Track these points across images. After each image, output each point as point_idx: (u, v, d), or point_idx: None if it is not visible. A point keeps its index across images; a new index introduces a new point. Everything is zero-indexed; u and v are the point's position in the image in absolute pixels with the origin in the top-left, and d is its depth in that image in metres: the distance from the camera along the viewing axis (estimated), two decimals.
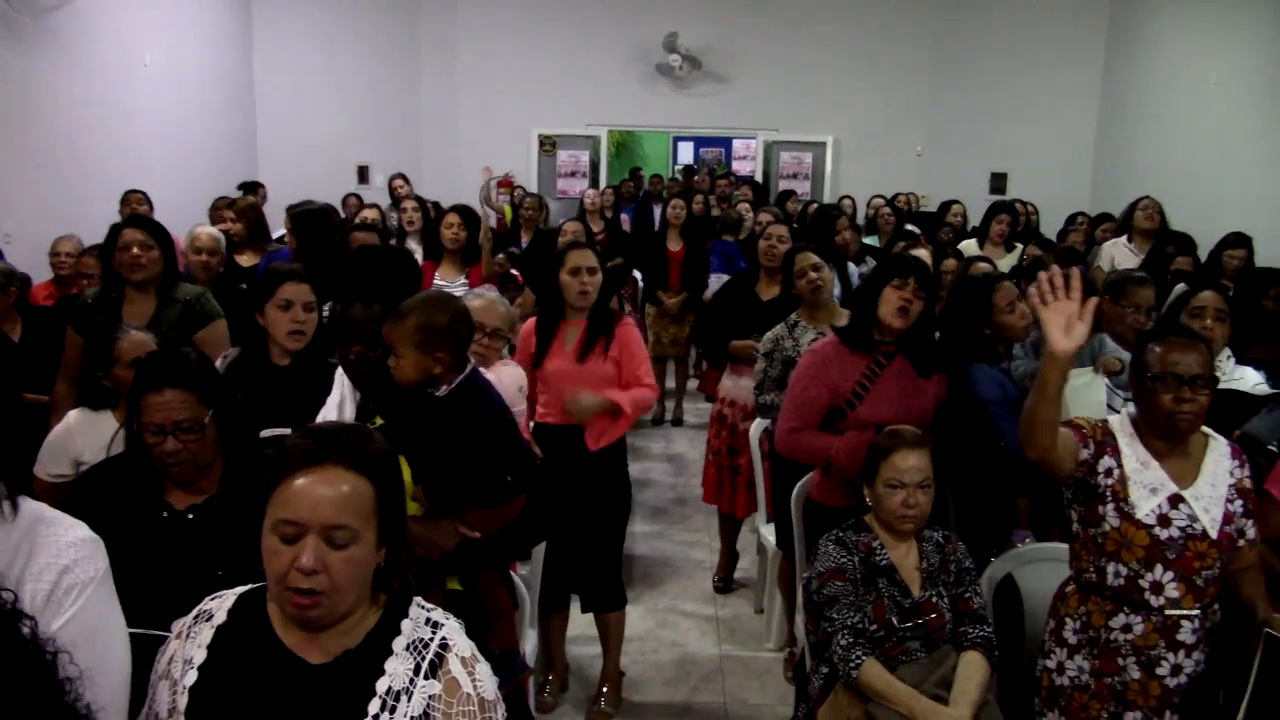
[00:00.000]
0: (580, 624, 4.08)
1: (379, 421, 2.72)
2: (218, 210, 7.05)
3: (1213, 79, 8.71)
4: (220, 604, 1.72)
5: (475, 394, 2.68)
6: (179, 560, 2.25)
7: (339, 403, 2.86)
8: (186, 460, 2.29)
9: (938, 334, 3.57)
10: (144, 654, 1.79)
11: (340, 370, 2.92)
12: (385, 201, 9.03)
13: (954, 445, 3.49)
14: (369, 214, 6.35)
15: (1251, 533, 2.57)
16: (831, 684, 2.79)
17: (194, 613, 1.73)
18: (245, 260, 5.51)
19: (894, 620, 2.78)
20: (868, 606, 2.79)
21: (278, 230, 6.49)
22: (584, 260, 3.72)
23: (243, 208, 5.73)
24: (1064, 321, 2.42)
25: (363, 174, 11.71)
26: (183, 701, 1.64)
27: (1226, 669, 2.60)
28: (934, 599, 2.84)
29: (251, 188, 8.84)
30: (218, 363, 3.25)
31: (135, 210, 6.41)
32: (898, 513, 2.85)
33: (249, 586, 1.74)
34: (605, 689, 3.95)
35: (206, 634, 1.68)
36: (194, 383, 2.31)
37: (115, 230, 3.88)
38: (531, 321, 3.89)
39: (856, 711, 2.68)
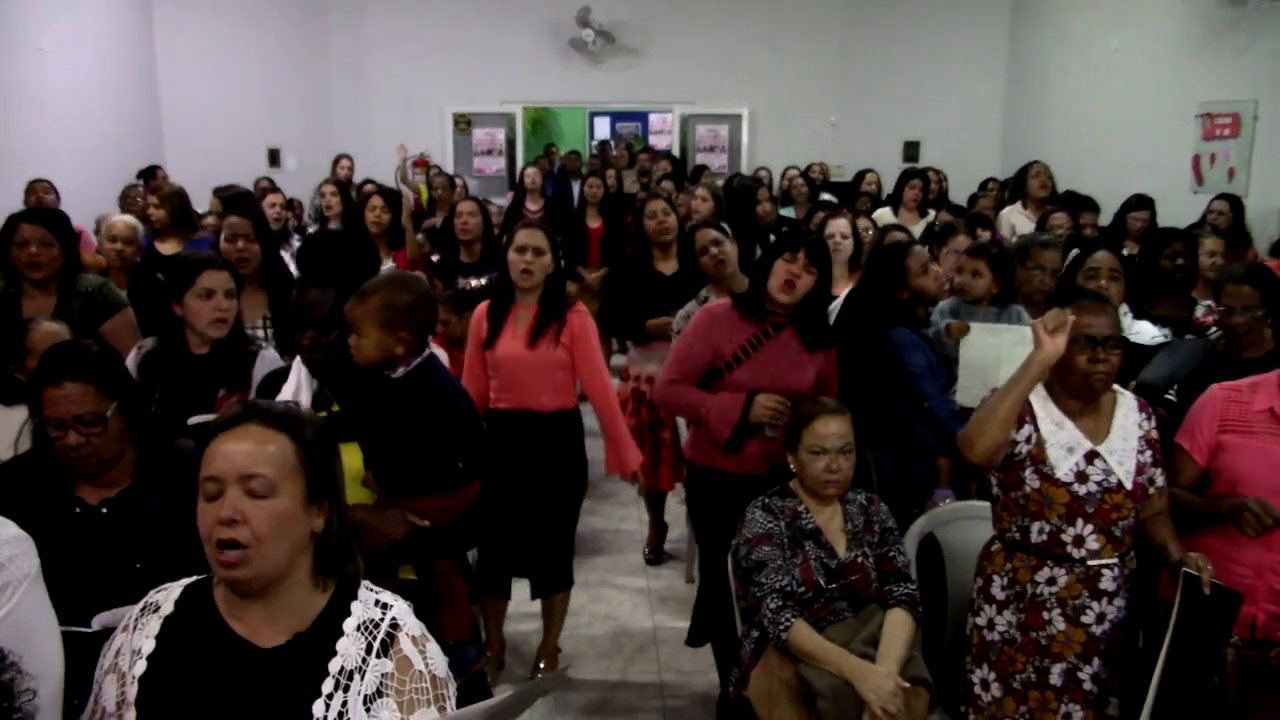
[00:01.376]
0: (514, 602, 4.08)
1: (335, 408, 2.69)
2: (129, 198, 6.85)
3: (1113, 45, 8.94)
4: (166, 595, 1.72)
5: (430, 378, 2.67)
6: (95, 555, 2.20)
7: (295, 390, 2.82)
8: (90, 454, 2.22)
9: (838, 303, 3.62)
10: (67, 651, 1.76)
11: (297, 358, 2.87)
12: (302, 184, 8.87)
13: (876, 407, 3.57)
14: (275, 198, 6.23)
15: (1160, 481, 2.68)
16: (762, 647, 2.84)
17: (140, 605, 1.72)
18: (167, 248, 5.32)
19: (821, 582, 2.84)
20: (795, 570, 2.84)
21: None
22: (531, 240, 3.67)
23: (166, 194, 5.56)
24: (1053, 333, 2.50)
25: (274, 157, 11.45)
26: (132, 692, 1.63)
27: (1143, 612, 2.71)
28: (859, 559, 2.90)
29: (149, 174, 8.60)
30: (132, 354, 3.18)
31: (41, 199, 6.20)
32: (821, 478, 2.90)
33: (195, 578, 1.74)
34: (543, 664, 3.96)
35: (154, 625, 1.68)
36: (95, 375, 2.25)
37: (12, 223, 3.74)
38: (484, 305, 3.86)
39: (787, 673, 2.74)
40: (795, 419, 3.01)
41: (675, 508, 5.23)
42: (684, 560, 5.00)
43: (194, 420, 2.92)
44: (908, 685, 2.68)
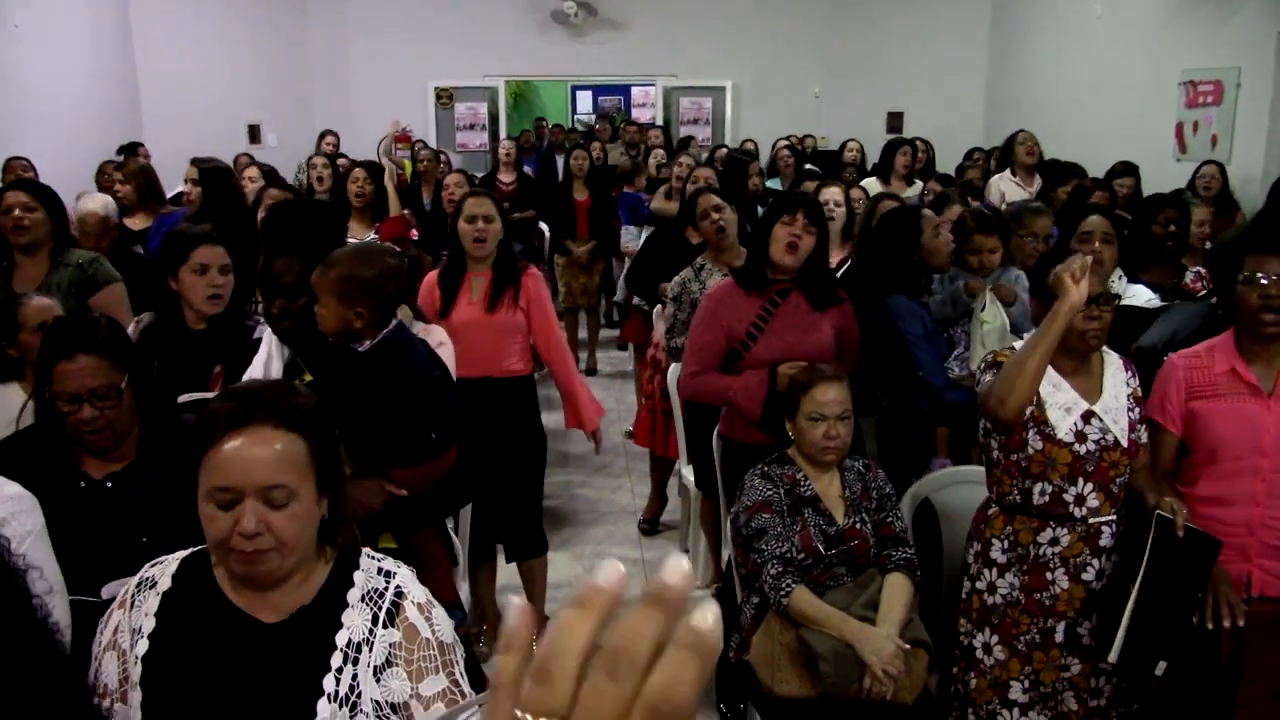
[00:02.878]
0: (509, 573, 4.10)
1: (308, 378, 2.68)
2: (105, 175, 6.79)
3: (1097, 12, 8.94)
4: (163, 570, 1.69)
5: (398, 350, 2.65)
6: (101, 530, 2.20)
7: (265, 360, 2.81)
8: (104, 428, 2.22)
9: (845, 266, 3.62)
10: (76, 620, 1.76)
11: (269, 328, 2.85)
12: (283, 160, 8.78)
13: (873, 376, 3.59)
14: (252, 171, 6.16)
15: (1144, 438, 2.74)
16: (763, 613, 2.87)
17: (135, 580, 1.70)
18: (136, 223, 5.34)
19: (820, 548, 2.87)
20: (795, 536, 2.86)
21: (170, 192, 6.27)
22: (480, 208, 3.71)
23: (132, 170, 5.54)
24: (1077, 280, 2.53)
25: (254, 133, 11.34)
26: (136, 672, 1.61)
27: (1131, 566, 2.75)
28: (858, 525, 2.93)
29: (130, 150, 8.51)
30: (130, 328, 3.16)
31: (19, 178, 6.12)
32: (820, 444, 2.92)
33: (190, 551, 1.72)
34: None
35: (153, 601, 1.65)
36: (107, 348, 2.24)
37: None
38: (434, 274, 3.87)
39: (789, 637, 2.77)
40: (793, 385, 3.03)
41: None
42: (677, 531, 5.03)
43: (185, 398, 2.90)
44: (908, 647, 2.71)
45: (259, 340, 3.14)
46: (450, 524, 3.49)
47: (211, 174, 4.83)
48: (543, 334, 3.82)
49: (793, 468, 2.98)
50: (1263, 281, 2.56)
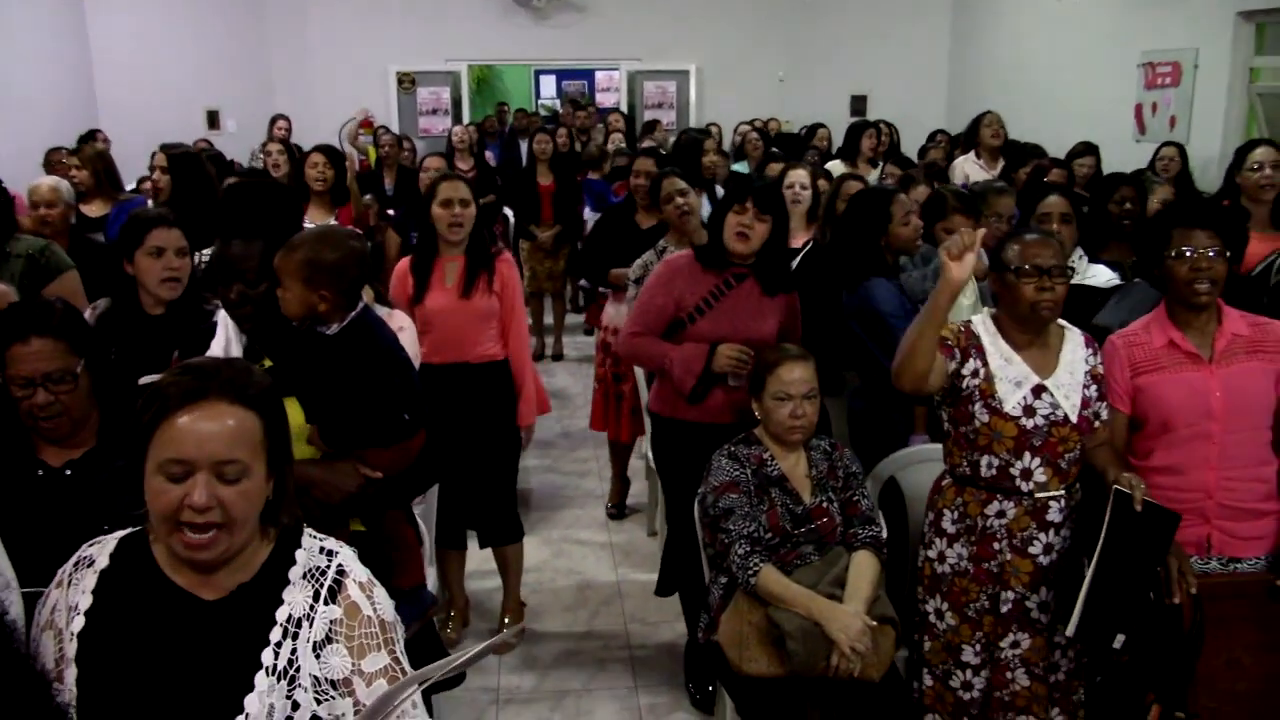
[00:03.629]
0: (477, 559, 4.09)
1: (267, 364, 2.65)
2: (54, 162, 6.66)
3: None
4: (101, 549, 1.68)
5: (366, 332, 2.62)
6: (60, 518, 2.15)
7: (224, 345, 2.77)
8: (59, 413, 2.18)
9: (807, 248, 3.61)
10: (30, 614, 1.73)
11: (225, 312, 2.81)
12: (243, 147, 8.68)
13: (841, 356, 3.60)
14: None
15: (1105, 414, 2.76)
16: (731, 593, 2.88)
17: (73, 560, 1.68)
18: (94, 210, 5.25)
19: (788, 527, 2.88)
20: (762, 516, 2.87)
21: (129, 180, 6.18)
22: (455, 192, 3.68)
23: (89, 155, 5.44)
24: (957, 251, 2.57)
25: (213, 119, 11.18)
26: (72, 649, 1.60)
27: (1088, 541, 2.78)
28: (824, 504, 2.94)
29: (88, 138, 8.36)
30: (87, 314, 3.10)
31: None
32: (786, 423, 2.93)
33: (129, 530, 1.70)
34: (507, 620, 3.98)
35: (90, 579, 1.64)
36: (62, 331, 2.20)
37: None
38: (405, 262, 3.83)
39: (757, 616, 2.77)
40: (760, 365, 3.04)
41: (634, 463, 5.25)
42: (645, 514, 5.04)
43: (145, 380, 2.86)
44: (875, 624, 2.73)
45: (210, 325, 3.09)
46: (417, 508, 3.47)
47: (181, 160, 4.74)
48: (510, 322, 3.80)
49: (759, 448, 2.99)
50: (1188, 254, 2.64)
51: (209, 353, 2.80)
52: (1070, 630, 2.56)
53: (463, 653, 1.59)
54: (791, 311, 3.44)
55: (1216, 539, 2.70)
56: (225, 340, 2.79)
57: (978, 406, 2.69)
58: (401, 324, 3.25)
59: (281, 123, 9.17)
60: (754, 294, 3.35)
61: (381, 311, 3.16)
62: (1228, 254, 2.68)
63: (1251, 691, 2.64)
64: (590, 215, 7.39)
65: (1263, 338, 2.73)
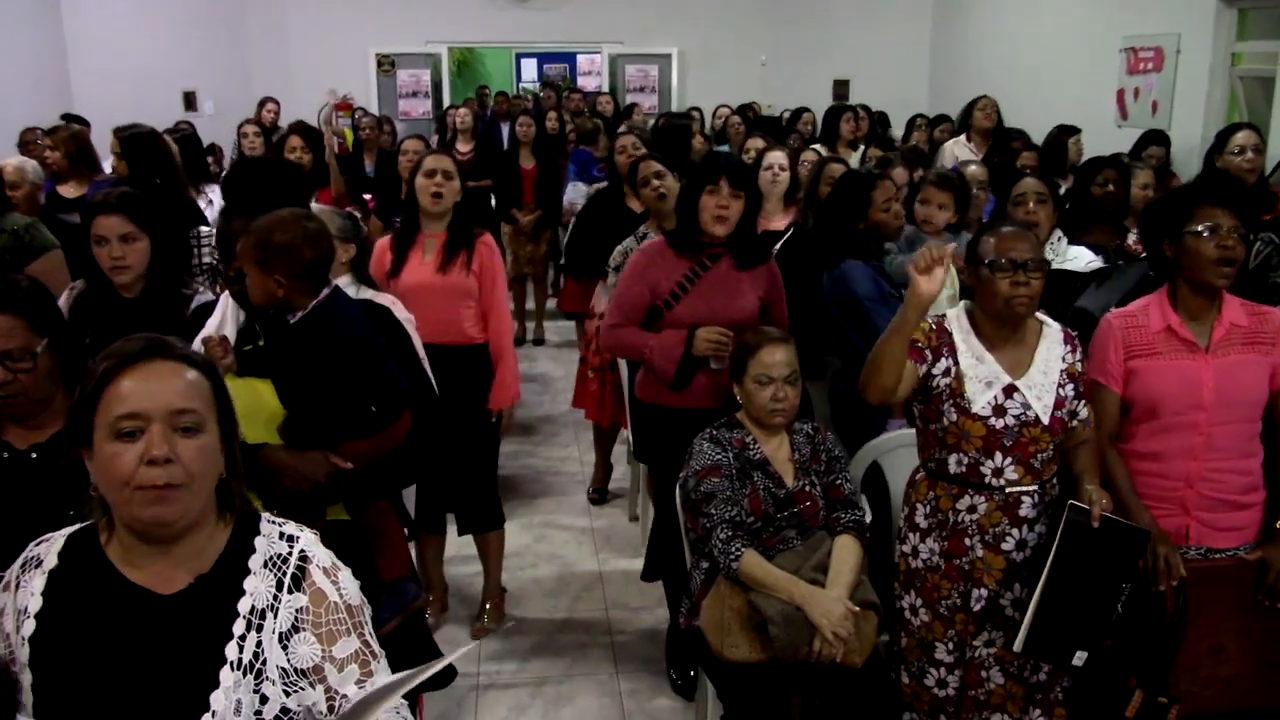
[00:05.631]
0: (456, 545, 4.05)
1: (262, 343, 2.59)
2: (27, 143, 6.55)
3: None
4: (48, 547, 1.62)
5: (329, 320, 2.53)
6: (24, 502, 2.10)
7: (219, 324, 2.71)
8: (18, 392, 2.11)
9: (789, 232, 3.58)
10: None
11: (225, 291, 2.75)
12: (220, 129, 8.57)
13: (822, 340, 3.57)
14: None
15: (1084, 413, 2.69)
16: (713, 578, 2.85)
17: (19, 561, 1.62)
18: (69, 191, 5.15)
19: (770, 511, 2.85)
20: (744, 500, 2.85)
21: (106, 160, 6.06)
22: (439, 163, 3.66)
23: (62, 137, 5.33)
24: (926, 272, 2.46)
25: (189, 100, 11.04)
26: (23, 654, 1.54)
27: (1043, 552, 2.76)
28: (807, 488, 2.91)
29: (77, 122, 8.23)
30: (63, 295, 3.04)
31: None
32: (768, 407, 2.90)
33: (76, 527, 1.64)
34: (488, 605, 3.95)
35: (38, 581, 1.58)
36: (24, 308, 2.13)
37: None
38: (385, 239, 3.80)
39: (739, 601, 2.75)
40: (740, 349, 3.00)
41: (616, 448, 5.21)
42: (626, 499, 5.01)
43: None
44: (857, 609, 2.71)
45: (201, 308, 3.02)
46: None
47: (132, 142, 4.62)
48: (489, 305, 3.76)
49: (741, 431, 2.96)
50: (1214, 232, 2.54)
51: (203, 331, 2.74)
52: (1017, 646, 2.51)
53: (438, 659, 1.51)
54: (773, 281, 3.39)
55: (1195, 530, 2.66)
56: (221, 319, 2.74)
57: (946, 405, 2.63)
58: (388, 303, 3.18)
59: (271, 105, 9.05)
60: (730, 272, 3.31)
61: (367, 293, 3.11)
62: (1251, 237, 2.61)
63: (1233, 675, 2.64)
64: (574, 184, 7.26)
65: (1260, 328, 2.67)
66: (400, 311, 3.16)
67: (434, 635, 3.79)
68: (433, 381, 3.22)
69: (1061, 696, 2.75)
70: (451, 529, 3.95)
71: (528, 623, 3.99)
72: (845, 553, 2.84)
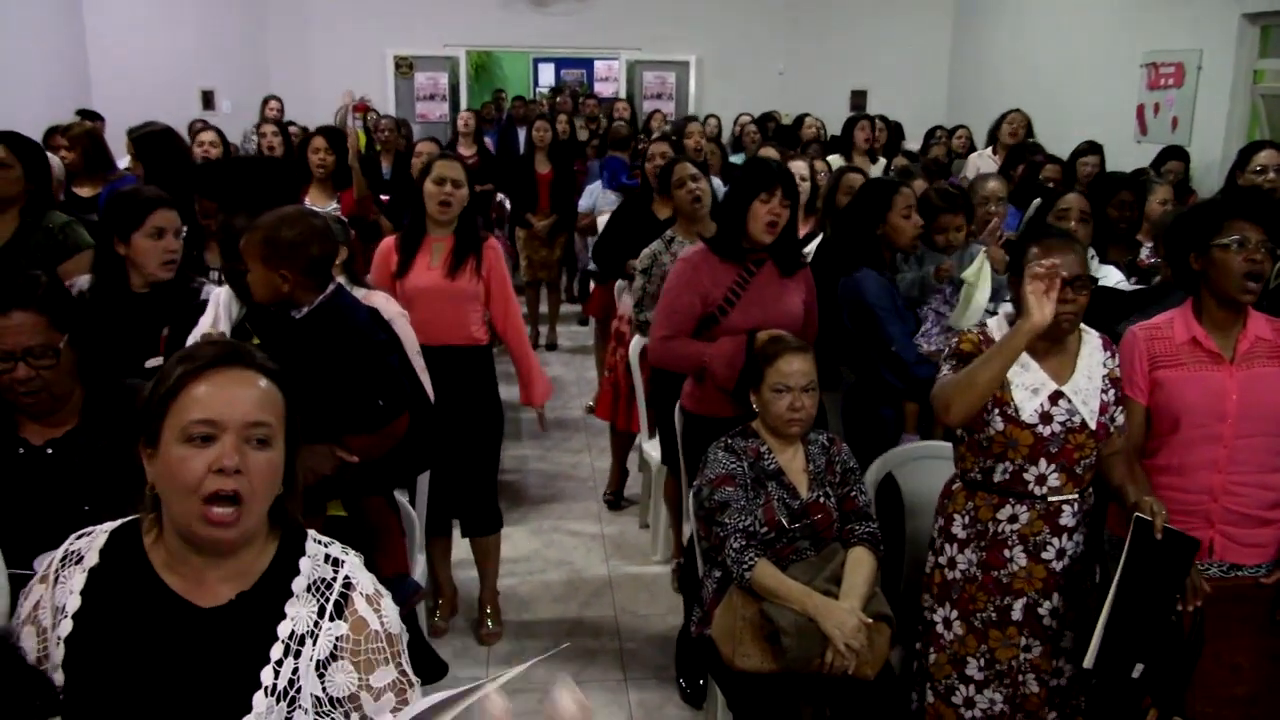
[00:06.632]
0: (465, 548, 4.04)
1: (256, 342, 2.60)
2: (51, 140, 6.57)
3: None
4: (89, 543, 1.58)
5: (336, 316, 2.56)
6: (41, 498, 2.11)
7: (212, 322, 2.72)
8: (40, 389, 2.11)
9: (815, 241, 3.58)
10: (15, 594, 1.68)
11: (216, 289, 2.76)
12: (238, 128, 8.59)
13: (838, 350, 3.56)
14: (206, 136, 5.93)
15: (1120, 420, 2.68)
16: (725, 587, 2.83)
17: (59, 554, 1.59)
18: (85, 191, 5.13)
19: (784, 521, 2.83)
20: (758, 510, 2.83)
21: (121, 159, 6.08)
22: (450, 171, 3.65)
23: (77, 134, 5.32)
24: (1040, 294, 2.42)
25: (208, 99, 11.09)
26: (58, 654, 1.52)
27: (1098, 548, 2.75)
28: (821, 499, 2.90)
29: (91, 118, 8.26)
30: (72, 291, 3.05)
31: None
32: (785, 416, 2.88)
33: (119, 522, 1.61)
34: (488, 609, 3.93)
35: (78, 579, 1.55)
36: (45, 305, 2.13)
37: None
38: (390, 239, 3.79)
39: (751, 611, 2.73)
40: (757, 357, 2.99)
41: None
42: (637, 505, 4.99)
43: (152, 364, 2.82)
44: (870, 621, 2.69)
45: (201, 303, 3.04)
46: (406, 495, 3.42)
47: (145, 141, 4.62)
48: (500, 307, 3.76)
49: (756, 440, 2.94)
50: (1244, 245, 2.53)
51: (196, 329, 2.76)
52: (1088, 662, 2.47)
53: (504, 671, 1.46)
54: (809, 288, 3.43)
55: (1219, 544, 2.63)
56: (214, 318, 2.75)
57: (994, 414, 2.60)
58: (378, 304, 3.18)
59: (273, 103, 9.08)
60: (774, 276, 3.34)
61: (359, 293, 3.11)
62: (1277, 252, 2.59)
63: (1249, 696, 2.62)
64: (601, 192, 7.21)
65: None
66: (393, 307, 3.17)
67: (442, 639, 3.81)
68: (426, 380, 3.22)
69: (1083, 704, 2.74)
70: (455, 532, 3.94)
71: (537, 626, 3.98)
72: (859, 565, 2.82)
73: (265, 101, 9.19)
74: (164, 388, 1.50)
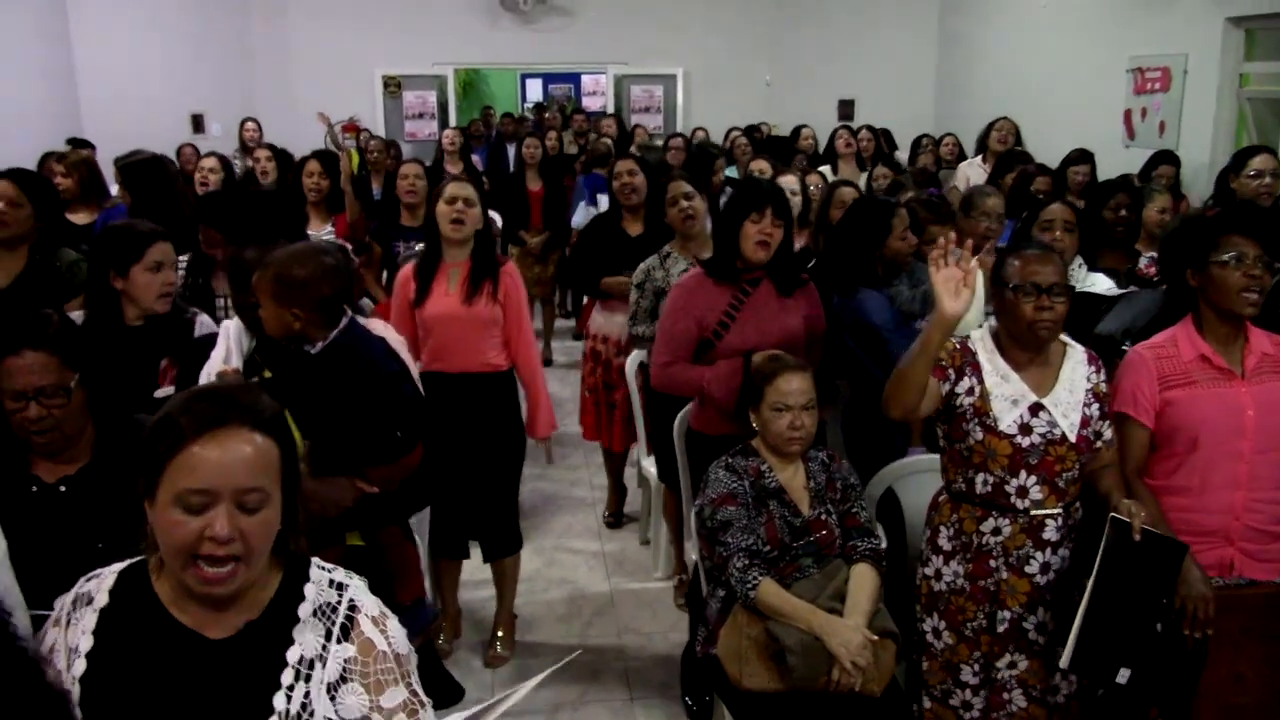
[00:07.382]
0: (468, 569, 4.05)
1: (268, 374, 2.61)
2: (47, 166, 6.57)
3: (1042, 1, 9.02)
4: (99, 584, 1.61)
5: (351, 349, 2.58)
6: (54, 536, 2.12)
7: (224, 357, 2.73)
8: (52, 428, 2.13)
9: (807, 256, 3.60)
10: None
11: (226, 323, 2.78)
12: (228, 149, 8.58)
13: (836, 366, 3.57)
14: (207, 163, 5.93)
15: (1108, 434, 2.69)
16: (729, 606, 2.85)
17: (70, 597, 1.62)
18: (80, 218, 5.14)
19: (786, 539, 2.85)
20: (760, 528, 2.84)
21: (113, 186, 6.07)
22: (461, 191, 3.64)
23: (74, 161, 5.33)
24: (953, 287, 2.46)
25: (197, 123, 11.10)
26: (75, 693, 1.54)
27: (1087, 562, 2.75)
28: (823, 516, 2.91)
29: (82, 146, 8.26)
30: None
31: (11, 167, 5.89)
32: (785, 435, 2.89)
33: (127, 563, 1.64)
34: (500, 632, 3.93)
35: (90, 619, 1.58)
36: (57, 345, 2.14)
37: None
38: (408, 268, 3.79)
39: (756, 630, 2.74)
40: (757, 376, 3.00)
41: (625, 470, 5.20)
42: (637, 523, 5.00)
43: (161, 394, 2.83)
44: (875, 638, 2.71)
45: (204, 336, 3.05)
46: (411, 520, 3.43)
47: (132, 171, 4.59)
48: (514, 333, 3.74)
49: (757, 459, 2.96)
50: (1241, 261, 2.55)
51: (208, 365, 2.77)
52: (1064, 662, 2.49)
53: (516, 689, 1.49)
54: (814, 307, 3.44)
55: (1239, 561, 2.64)
56: (225, 352, 2.76)
57: (973, 424, 2.62)
58: (382, 332, 3.19)
59: (250, 124, 9.07)
60: (771, 295, 3.36)
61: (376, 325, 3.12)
62: (1275, 266, 2.61)
63: (1254, 705, 2.63)
64: (583, 209, 7.26)
65: None
66: (392, 334, 3.18)
67: (447, 660, 3.81)
68: (426, 407, 3.23)
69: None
70: (471, 558, 3.94)
71: (542, 646, 3.98)
72: (863, 581, 2.83)
73: (242, 123, 9.18)
74: (162, 445, 1.50)
